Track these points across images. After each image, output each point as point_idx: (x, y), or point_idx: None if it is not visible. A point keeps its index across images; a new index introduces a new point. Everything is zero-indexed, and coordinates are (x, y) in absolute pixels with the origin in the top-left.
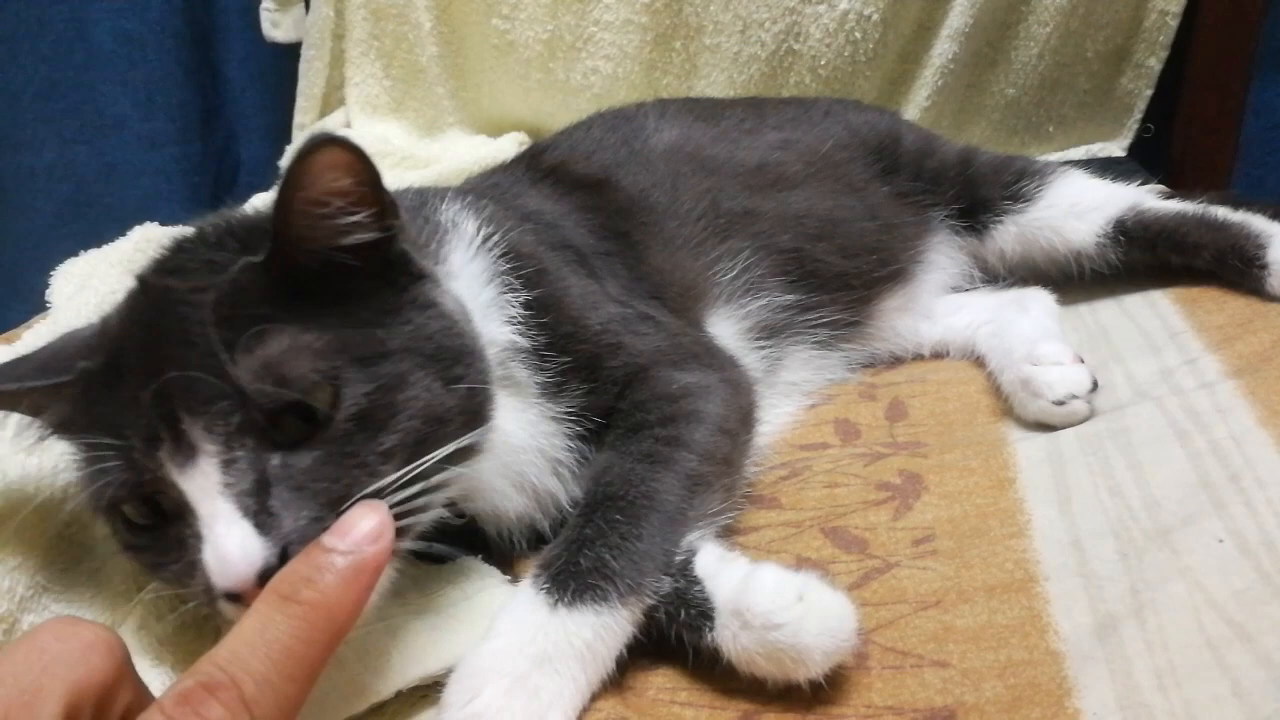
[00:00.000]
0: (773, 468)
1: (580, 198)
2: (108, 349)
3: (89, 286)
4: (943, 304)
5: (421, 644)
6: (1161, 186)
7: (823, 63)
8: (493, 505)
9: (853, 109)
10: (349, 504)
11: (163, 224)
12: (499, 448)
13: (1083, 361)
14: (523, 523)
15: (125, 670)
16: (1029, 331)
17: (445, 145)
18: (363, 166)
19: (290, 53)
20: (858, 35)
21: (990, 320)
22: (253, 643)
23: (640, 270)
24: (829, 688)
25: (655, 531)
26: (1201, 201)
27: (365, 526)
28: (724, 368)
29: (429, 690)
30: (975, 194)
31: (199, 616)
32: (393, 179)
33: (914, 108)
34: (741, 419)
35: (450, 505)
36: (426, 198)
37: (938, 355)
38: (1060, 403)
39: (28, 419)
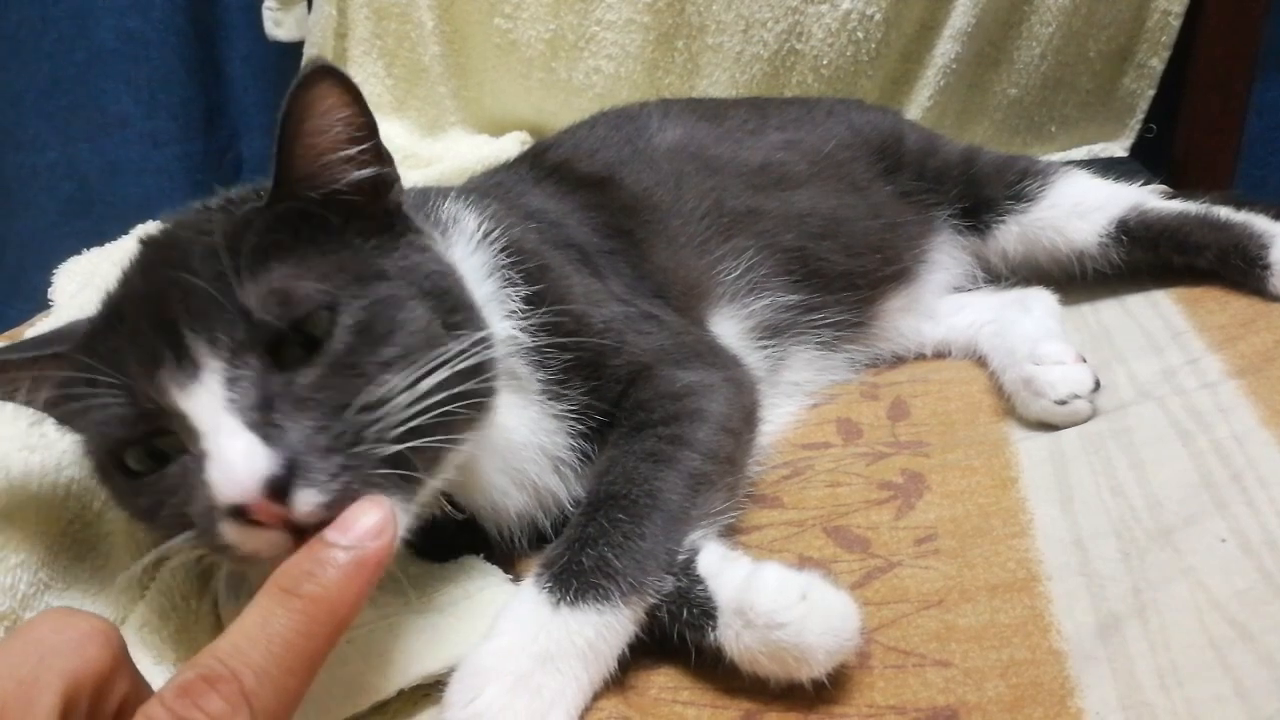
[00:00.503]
0: (775, 467)
1: (584, 196)
2: (110, 304)
3: (91, 284)
4: (945, 304)
5: (424, 642)
6: (1164, 186)
7: (825, 62)
8: (492, 502)
9: (855, 109)
10: (351, 411)
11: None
12: (499, 444)
13: (1085, 361)
14: (523, 521)
15: (122, 661)
16: (1031, 331)
17: (447, 144)
18: (359, 97)
19: (293, 51)
20: (860, 35)
21: (992, 320)
22: (253, 636)
23: (644, 269)
24: (831, 687)
25: (658, 530)
26: (1204, 201)
27: (368, 522)
28: (727, 367)
29: (431, 689)
30: (978, 193)
31: (201, 615)
32: None
33: (916, 107)
34: (744, 418)
35: (450, 501)
36: (429, 196)
37: (940, 355)
38: (1063, 402)
39: (33, 412)
